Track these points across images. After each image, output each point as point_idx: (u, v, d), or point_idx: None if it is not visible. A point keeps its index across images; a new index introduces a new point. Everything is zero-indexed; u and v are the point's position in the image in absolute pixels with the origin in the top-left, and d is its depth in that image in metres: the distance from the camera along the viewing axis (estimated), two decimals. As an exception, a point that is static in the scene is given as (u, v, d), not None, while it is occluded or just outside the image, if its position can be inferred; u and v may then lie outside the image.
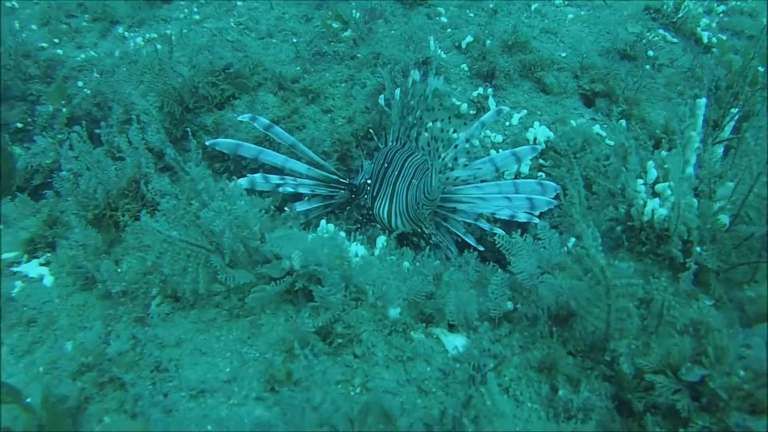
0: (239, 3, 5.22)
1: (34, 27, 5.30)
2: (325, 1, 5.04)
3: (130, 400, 2.08)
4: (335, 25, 4.74)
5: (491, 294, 2.28)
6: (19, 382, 2.28)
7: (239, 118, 3.82)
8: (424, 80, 3.86)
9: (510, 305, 2.35)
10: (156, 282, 2.40)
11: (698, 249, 2.20)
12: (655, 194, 2.46)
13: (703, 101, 3.18)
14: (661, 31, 4.84)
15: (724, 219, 2.32)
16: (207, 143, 3.51)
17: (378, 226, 3.75)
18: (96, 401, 2.19)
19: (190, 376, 2.14)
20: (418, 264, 2.73)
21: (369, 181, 3.69)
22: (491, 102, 4.24)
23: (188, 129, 3.51)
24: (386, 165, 3.66)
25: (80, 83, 4.68)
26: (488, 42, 4.52)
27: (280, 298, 2.34)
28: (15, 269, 2.78)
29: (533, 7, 4.97)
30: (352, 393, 2.07)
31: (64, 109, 4.62)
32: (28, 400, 2.05)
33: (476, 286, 2.48)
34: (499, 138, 4.11)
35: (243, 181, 3.43)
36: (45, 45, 5.07)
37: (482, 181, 3.74)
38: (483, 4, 5.04)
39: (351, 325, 2.19)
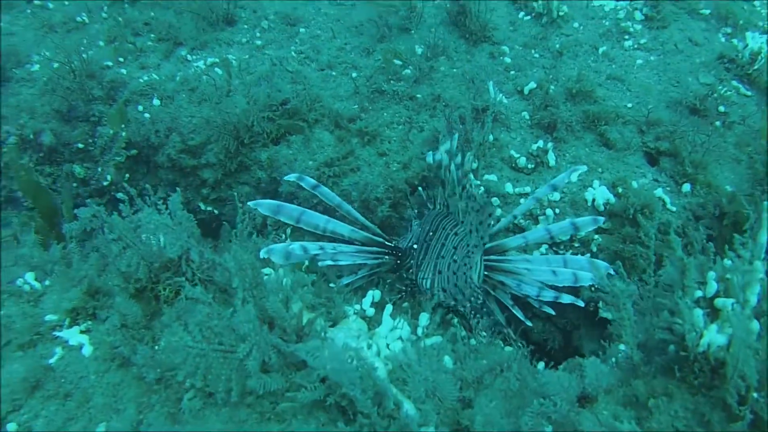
0: (302, 30, 5.15)
1: (101, 44, 5.30)
2: (390, 33, 4.90)
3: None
4: (396, 61, 4.62)
5: (525, 425, 2.15)
6: None
7: (285, 178, 3.73)
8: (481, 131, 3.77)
9: (550, 429, 2.22)
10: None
11: (755, 395, 2.03)
12: (713, 309, 2.29)
13: None
14: (734, 82, 4.59)
15: None
16: (249, 204, 3.41)
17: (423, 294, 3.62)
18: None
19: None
20: (458, 361, 2.61)
21: (415, 246, 3.58)
22: (551, 156, 4.09)
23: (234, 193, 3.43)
24: (431, 233, 3.55)
25: (140, 107, 4.68)
26: (551, 88, 4.36)
27: (313, 406, 2.25)
28: (57, 333, 2.75)
29: (601, 50, 4.77)
30: None
31: (123, 133, 4.63)
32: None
33: (515, 398, 2.35)
34: (557, 196, 3.96)
35: (277, 250, 3.25)
36: (110, 64, 5.08)
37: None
38: (549, 44, 4.85)
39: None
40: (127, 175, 4.78)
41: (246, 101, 4.37)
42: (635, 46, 4.90)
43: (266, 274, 2.96)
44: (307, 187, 3.62)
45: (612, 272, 3.27)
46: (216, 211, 4.67)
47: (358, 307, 3.03)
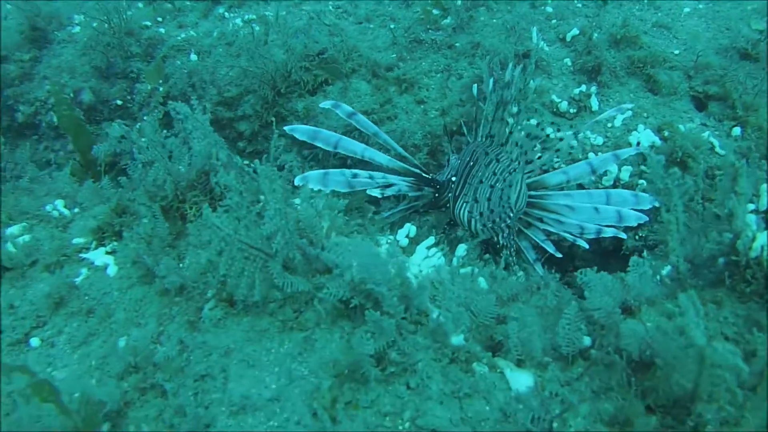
0: (340, -15, 5.05)
1: (140, 5, 5.30)
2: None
3: (170, 410, 1.99)
4: (435, 11, 4.51)
5: (562, 329, 2.03)
6: (72, 374, 2.26)
7: (321, 105, 3.67)
8: (522, 74, 3.61)
9: (587, 341, 2.11)
10: (213, 283, 2.29)
11: None
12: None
13: None
14: (789, 29, 4.36)
15: None
16: (286, 128, 3.34)
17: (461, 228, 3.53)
18: (137, 407, 2.12)
19: (234, 390, 2.07)
20: (494, 282, 2.51)
21: (454, 179, 3.47)
22: (594, 100, 3.95)
23: (272, 119, 3.36)
24: (472, 163, 3.44)
25: (179, 62, 4.64)
26: (595, 35, 4.20)
27: (337, 312, 2.17)
28: (83, 255, 2.73)
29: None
30: (400, 428, 1.89)
31: (161, 88, 4.61)
32: (75, 394, 1.97)
33: (552, 314, 2.24)
34: (600, 140, 3.84)
35: (314, 176, 3.18)
36: (149, 24, 5.08)
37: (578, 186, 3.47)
38: (593, -7, 4.68)
39: (406, 353, 2.01)
40: (165, 131, 4.75)
41: (283, 51, 4.30)
42: (685, -6, 4.71)
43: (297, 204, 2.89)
44: (343, 114, 3.57)
45: (657, 204, 3.13)
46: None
47: (392, 237, 2.94)
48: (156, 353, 2.22)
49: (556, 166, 3.69)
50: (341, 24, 4.72)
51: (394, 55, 4.37)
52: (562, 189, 3.49)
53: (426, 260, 2.71)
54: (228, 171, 2.57)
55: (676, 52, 4.23)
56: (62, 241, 2.76)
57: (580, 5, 4.68)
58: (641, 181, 3.73)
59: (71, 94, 4.88)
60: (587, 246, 3.24)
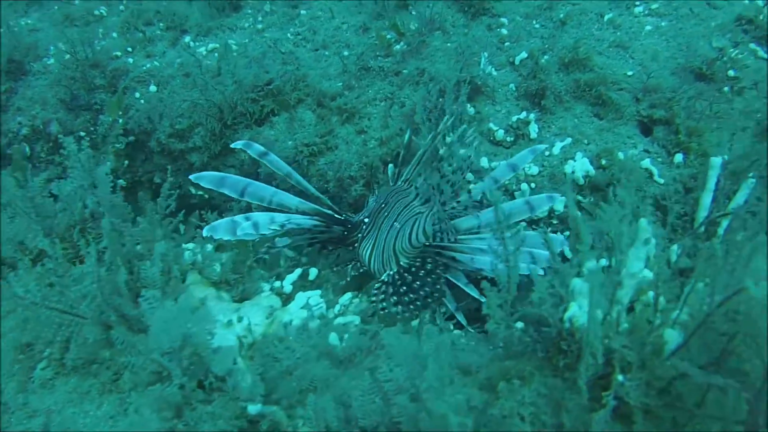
0: (303, 12, 5.05)
1: (114, 35, 5.37)
2: (387, 10, 4.70)
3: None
4: (389, 36, 4.43)
5: (356, 401, 1.92)
6: None
7: (232, 145, 3.63)
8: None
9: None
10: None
11: (620, 377, 1.72)
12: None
13: (717, 161, 2.67)
14: (752, 45, 4.14)
15: (670, 338, 1.78)
16: (190, 177, 3.30)
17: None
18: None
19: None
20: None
21: (366, 220, 3.39)
22: (533, 127, 3.80)
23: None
24: (383, 205, 3.35)
25: (137, 94, 4.68)
26: (543, 58, 4.06)
27: (152, 376, 2.11)
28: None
29: (606, 17, 4.41)
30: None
31: (120, 120, 4.63)
32: None
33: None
34: (535, 170, 3.70)
35: (221, 226, 3.13)
36: (119, 54, 5.12)
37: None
38: (552, 14, 4.53)
39: (190, 424, 1.94)
40: (126, 162, 4.80)
41: (232, 83, 4.28)
42: (646, 12, 4.51)
43: (188, 249, 2.86)
44: (254, 154, 3.52)
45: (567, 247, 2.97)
46: (206, 196, 4.61)
47: (278, 283, 2.87)
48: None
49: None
50: (297, 52, 4.69)
51: (341, 84, 4.31)
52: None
53: (301, 309, 2.64)
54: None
55: (630, 73, 4.05)
56: None
57: (537, 26, 4.53)
58: (577, 213, 3.57)
59: (41, 126, 4.98)
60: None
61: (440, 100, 3.89)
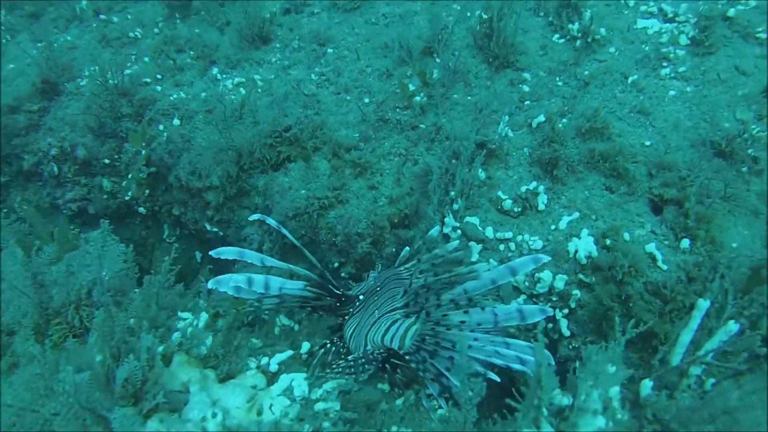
0: (329, 50, 5.05)
1: (146, 60, 5.45)
2: (412, 56, 4.68)
3: None
4: (411, 86, 4.42)
5: None
6: None
7: (250, 218, 3.67)
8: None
9: None
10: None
11: None
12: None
13: (705, 304, 2.62)
14: (778, 120, 4.02)
15: None
16: (211, 253, 3.37)
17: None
18: None
19: None
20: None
21: (361, 297, 3.41)
22: (542, 199, 3.76)
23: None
24: (378, 288, 3.37)
25: (161, 127, 4.75)
26: (560, 124, 4.01)
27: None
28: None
29: (630, 79, 4.33)
30: None
31: (143, 151, 4.72)
32: None
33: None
34: (539, 244, 3.66)
35: (224, 280, 3.21)
36: (149, 80, 5.21)
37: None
38: (577, 71, 4.47)
39: None
40: (147, 191, 4.90)
41: (251, 128, 4.33)
42: (672, 74, 4.41)
43: (183, 318, 2.92)
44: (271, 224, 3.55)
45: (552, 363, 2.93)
46: (221, 233, 4.68)
47: (266, 360, 2.92)
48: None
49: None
50: (320, 94, 4.71)
51: (357, 135, 4.32)
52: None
53: (284, 393, 2.68)
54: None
55: (648, 143, 3.98)
56: None
57: (560, 83, 4.47)
58: (576, 292, 3.55)
59: (69, 148, 5.10)
60: (498, 379, 3.07)
61: (454, 161, 3.87)
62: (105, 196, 5.10)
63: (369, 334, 3.25)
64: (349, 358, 3.14)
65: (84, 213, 5.37)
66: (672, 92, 4.30)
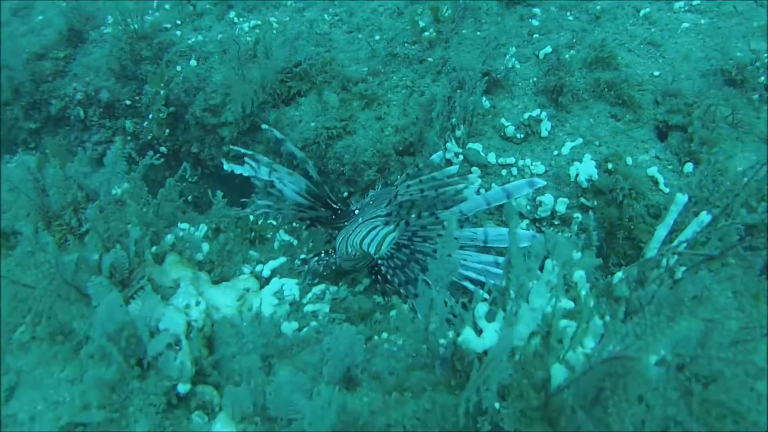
0: (344, -10, 5.05)
1: (167, 7, 5.55)
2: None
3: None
4: (421, 23, 4.43)
5: (269, 396, 2.01)
6: None
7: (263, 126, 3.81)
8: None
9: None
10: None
11: (496, 405, 1.74)
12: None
13: (682, 199, 2.61)
14: (793, 49, 3.93)
15: (558, 373, 1.77)
16: (225, 167, 3.50)
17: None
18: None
19: (11, 409, 2.21)
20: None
21: (357, 211, 3.46)
22: (545, 125, 3.75)
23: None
24: (371, 202, 3.42)
25: (179, 68, 4.84)
26: (569, 54, 3.98)
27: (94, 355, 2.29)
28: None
29: (642, 12, 4.27)
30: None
31: (162, 92, 4.82)
32: None
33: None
34: (541, 168, 3.67)
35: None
36: (168, 26, 5.30)
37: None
38: (589, 6, 4.41)
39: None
40: (168, 131, 5.00)
41: (264, 65, 4.39)
42: (686, 8, 4.34)
43: (182, 229, 3.01)
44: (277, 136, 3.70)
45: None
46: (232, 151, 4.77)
47: (260, 267, 3.00)
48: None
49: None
50: (332, 33, 4.75)
51: (366, 69, 4.35)
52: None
53: (272, 296, 2.76)
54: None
55: (657, 73, 3.93)
56: None
57: (571, 18, 4.43)
58: (576, 215, 3.54)
59: (93, 92, 5.24)
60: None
61: (458, 90, 3.87)
62: (129, 137, 5.22)
63: (349, 238, 3.30)
64: (320, 255, 3.24)
65: (109, 156, 5.51)
66: (685, 24, 4.23)
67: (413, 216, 3.15)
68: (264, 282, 2.96)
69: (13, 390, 2.35)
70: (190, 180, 5.34)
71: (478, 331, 1.90)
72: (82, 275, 2.36)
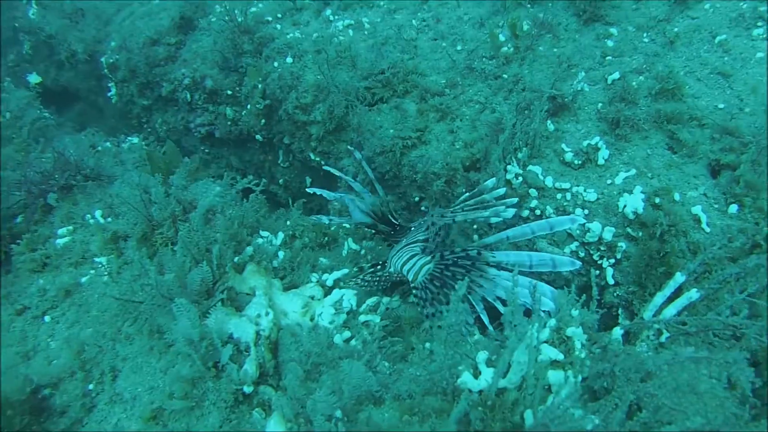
0: (434, -4, 5.43)
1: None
2: (506, 7, 5.01)
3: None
4: (501, 36, 4.78)
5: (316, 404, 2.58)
6: (58, 346, 3.38)
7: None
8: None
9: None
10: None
11: None
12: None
13: (680, 278, 2.93)
14: None
15: (528, 417, 2.24)
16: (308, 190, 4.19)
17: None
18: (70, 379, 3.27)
19: (118, 387, 2.89)
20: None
21: (412, 229, 3.95)
22: (602, 154, 4.09)
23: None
24: (422, 222, 3.91)
25: (276, 64, 5.38)
26: (637, 80, 4.26)
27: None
28: (95, 259, 3.69)
29: (718, 39, 4.46)
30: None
31: (259, 86, 5.39)
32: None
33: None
34: (593, 196, 4.02)
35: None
36: (270, 18, 5.83)
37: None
38: (666, 28, 4.64)
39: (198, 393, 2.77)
40: (263, 121, 5.59)
41: (351, 72, 4.87)
42: (765, 35, 4.47)
43: (262, 236, 3.61)
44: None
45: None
46: (323, 162, 5.31)
47: (326, 276, 3.57)
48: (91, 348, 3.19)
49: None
50: (418, 40, 5.15)
51: (444, 80, 4.75)
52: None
53: (333, 305, 3.33)
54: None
55: (721, 106, 4.15)
56: (86, 246, 3.75)
57: (646, 40, 4.66)
58: (621, 244, 3.89)
59: (199, 78, 5.88)
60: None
61: (525, 113, 4.25)
62: (228, 123, 5.86)
63: (393, 259, 3.83)
64: (368, 273, 3.78)
65: (211, 136, 6.19)
66: (760, 54, 4.39)
67: (447, 252, 3.64)
68: (327, 291, 3.53)
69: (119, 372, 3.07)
70: (282, 165, 5.95)
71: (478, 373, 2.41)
72: (174, 288, 3.01)
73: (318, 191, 4.37)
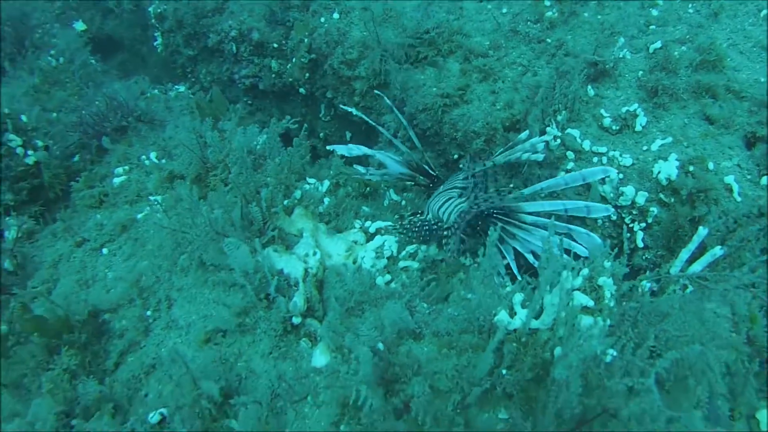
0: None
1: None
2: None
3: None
4: (546, 1, 4.91)
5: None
6: (114, 276, 3.63)
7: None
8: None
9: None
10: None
11: (503, 371, 2.47)
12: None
13: (704, 232, 3.10)
14: None
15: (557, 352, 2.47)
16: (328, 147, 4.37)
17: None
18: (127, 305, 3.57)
19: (173, 314, 3.16)
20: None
21: (451, 177, 4.18)
22: (640, 120, 4.24)
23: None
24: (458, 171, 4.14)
25: (322, 19, 5.55)
26: (679, 50, 4.39)
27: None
28: (150, 197, 3.94)
29: (763, 12, 4.55)
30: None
31: (306, 40, 5.58)
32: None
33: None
34: (629, 161, 4.18)
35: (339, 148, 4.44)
36: (319, -26, 5.98)
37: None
38: (713, 0, 4.73)
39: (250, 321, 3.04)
40: (307, 75, 5.79)
41: (396, 28, 5.04)
42: (811, 10, 4.57)
43: (309, 183, 3.84)
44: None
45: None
46: (361, 114, 5.49)
47: (369, 223, 3.80)
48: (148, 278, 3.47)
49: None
50: (464, 1, 5.29)
51: (488, 42, 4.90)
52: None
53: (378, 248, 3.57)
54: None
55: (762, 79, 4.27)
56: (142, 185, 4.01)
57: (691, 11, 4.76)
58: (653, 209, 4.06)
59: (246, 31, 6.07)
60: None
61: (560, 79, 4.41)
62: (273, 75, 6.06)
63: (430, 204, 4.04)
64: (407, 220, 3.98)
65: (255, 88, 6.40)
66: (804, 29, 4.50)
67: (481, 194, 3.86)
68: (369, 237, 3.77)
69: (173, 302, 3.34)
70: (323, 119, 6.16)
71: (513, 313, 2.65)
72: (226, 227, 3.26)
73: (338, 148, 4.53)
